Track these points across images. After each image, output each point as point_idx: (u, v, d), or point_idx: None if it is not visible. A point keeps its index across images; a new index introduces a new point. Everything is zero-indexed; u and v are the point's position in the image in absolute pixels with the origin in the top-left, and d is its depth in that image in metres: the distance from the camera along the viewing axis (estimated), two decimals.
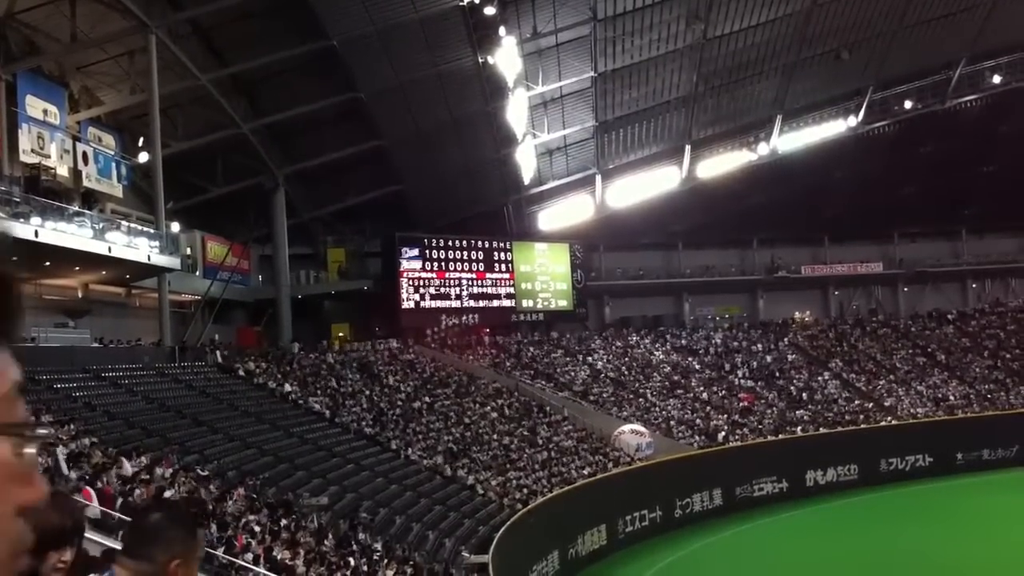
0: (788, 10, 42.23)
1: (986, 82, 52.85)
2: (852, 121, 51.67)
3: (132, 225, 30.14)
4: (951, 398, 47.38)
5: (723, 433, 41.40)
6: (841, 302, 56.38)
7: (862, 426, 42.76)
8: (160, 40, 28.92)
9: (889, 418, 44.68)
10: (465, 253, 45.48)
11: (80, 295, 31.60)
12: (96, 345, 29.25)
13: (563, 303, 49.32)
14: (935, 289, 56.22)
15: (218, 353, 33.56)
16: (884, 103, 52.59)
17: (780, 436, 41.51)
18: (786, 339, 51.86)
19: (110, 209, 31.70)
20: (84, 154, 30.50)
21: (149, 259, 28.88)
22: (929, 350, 51.86)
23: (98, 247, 26.57)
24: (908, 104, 52.30)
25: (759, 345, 50.83)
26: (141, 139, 32.80)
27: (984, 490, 36.37)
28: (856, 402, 46.30)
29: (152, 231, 29.99)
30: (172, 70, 30.79)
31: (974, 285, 57.25)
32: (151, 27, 28.28)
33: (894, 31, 46.11)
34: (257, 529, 18.24)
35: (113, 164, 32.34)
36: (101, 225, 27.70)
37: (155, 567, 2.36)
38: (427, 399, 36.63)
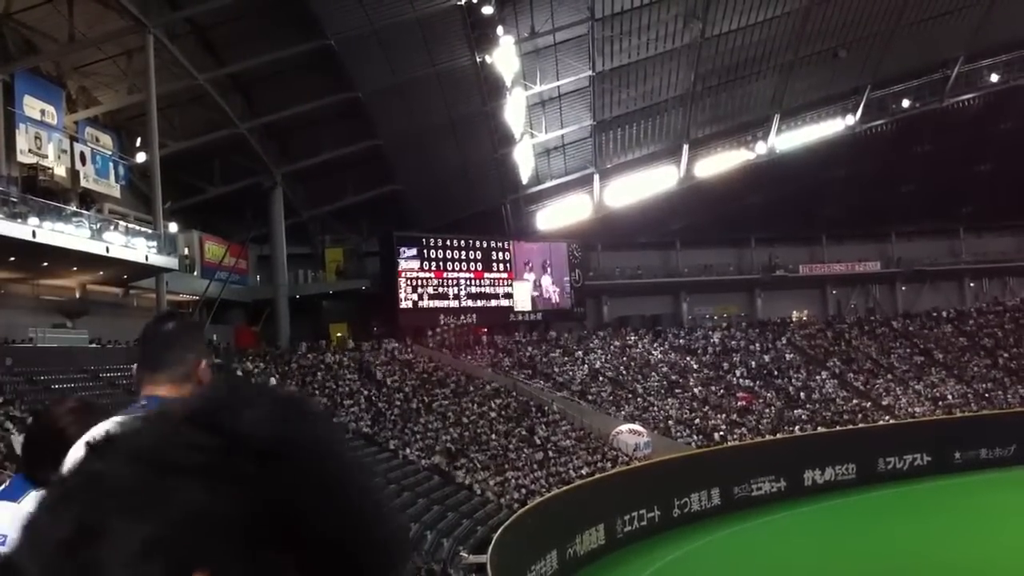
0: (786, 9, 42.21)
1: (984, 81, 52.79)
2: (850, 120, 51.63)
3: (130, 225, 30.14)
4: (949, 397, 47.39)
5: (721, 432, 41.41)
6: (839, 301, 56.36)
7: (860, 425, 42.78)
8: (158, 39, 28.88)
9: (887, 417, 44.67)
10: (463, 253, 45.43)
11: (78, 295, 31.58)
12: (94, 345, 29.22)
13: None
14: (933, 288, 56.20)
15: None
16: (882, 102, 52.53)
17: (778, 435, 41.53)
18: (784, 338, 51.86)
19: (107, 209, 31.70)
20: (81, 154, 30.49)
21: (147, 259, 28.85)
22: (927, 349, 51.90)
23: (96, 247, 26.57)
24: (906, 103, 52.24)
25: (757, 344, 50.83)
26: (139, 139, 32.77)
27: (982, 489, 36.37)
28: (854, 401, 46.30)
29: (150, 231, 29.95)
30: (169, 70, 30.74)
31: (972, 284, 57.21)
32: (148, 27, 28.22)
33: (892, 29, 46.07)
34: None
35: (111, 164, 32.33)
36: (99, 225, 27.70)
37: (187, 368, 2.44)
38: (425, 399, 36.62)
